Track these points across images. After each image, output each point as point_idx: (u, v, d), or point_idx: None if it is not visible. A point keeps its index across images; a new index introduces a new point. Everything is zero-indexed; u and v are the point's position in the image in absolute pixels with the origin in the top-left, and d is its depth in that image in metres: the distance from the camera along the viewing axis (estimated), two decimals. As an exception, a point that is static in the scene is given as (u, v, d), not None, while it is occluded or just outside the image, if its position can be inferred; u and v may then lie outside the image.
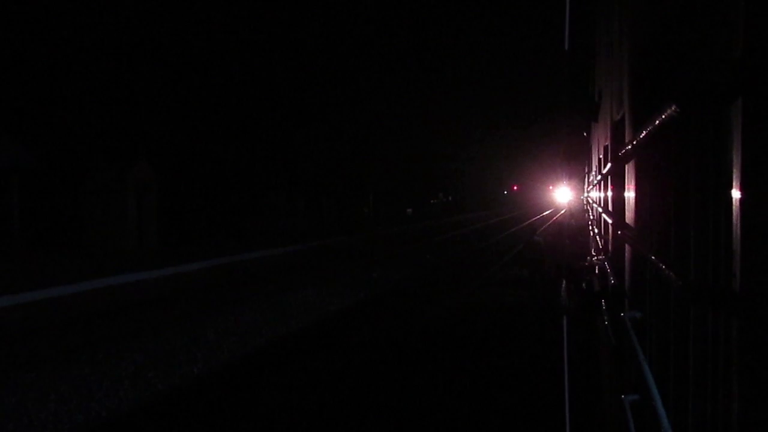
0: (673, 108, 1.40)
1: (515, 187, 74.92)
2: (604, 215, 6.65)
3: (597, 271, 8.41)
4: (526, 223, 38.39)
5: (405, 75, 43.65)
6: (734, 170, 1.23)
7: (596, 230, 10.58)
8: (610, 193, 5.71)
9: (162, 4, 27.70)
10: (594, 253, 10.26)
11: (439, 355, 8.38)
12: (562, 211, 40.09)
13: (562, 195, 47.87)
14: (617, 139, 4.52)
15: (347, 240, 26.64)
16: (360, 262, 19.22)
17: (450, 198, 53.25)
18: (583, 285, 7.27)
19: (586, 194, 23.46)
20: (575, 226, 26.82)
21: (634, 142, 2.45)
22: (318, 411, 6.42)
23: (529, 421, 6.10)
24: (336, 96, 37.10)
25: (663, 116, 1.53)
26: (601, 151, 8.10)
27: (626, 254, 3.94)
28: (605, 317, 5.81)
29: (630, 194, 3.64)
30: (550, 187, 49.47)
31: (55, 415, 6.37)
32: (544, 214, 44.47)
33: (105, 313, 11.27)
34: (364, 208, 42.13)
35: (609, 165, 5.12)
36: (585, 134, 18.61)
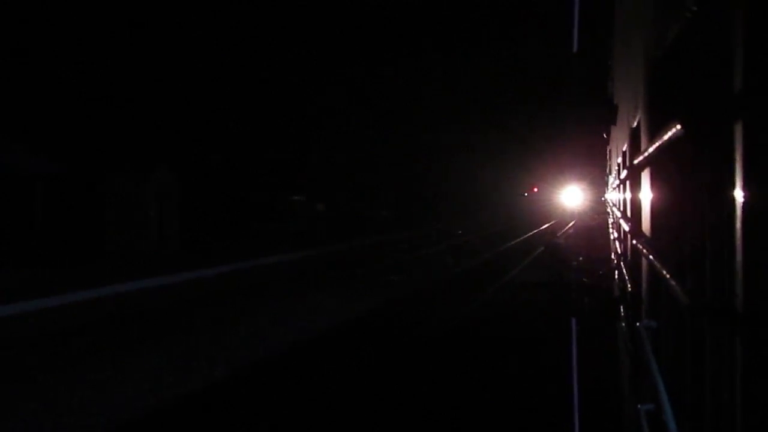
0: (678, 127, 1.42)
1: (535, 189, 74.28)
2: (622, 221, 6.62)
3: (616, 276, 8.35)
4: (543, 227, 38.10)
5: (422, 75, 43.70)
6: (737, 180, 1.25)
7: (616, 234, 10.52)
8: (628, 199, 5.69)
9: (178, 10, 28.06)
10: (614, 258, 10.20)
11: (444, 371, 8.38)
12: (570, 225, 35.42)
13: (572, 199, 44.86)
14: (634, 146, 4.51)
15: (365, 243, 26.72)
16: (378, 265, 19.27)
17: (465, 202, 53.20)
18: (602, 290, 7.26)
19: (606, 196, 23.25)
20: (596, 227, 26.58)
21: (646, 154, 2.46)
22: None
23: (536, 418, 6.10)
24: (354, 98, 37.29)
25: (670, 133, 1.56)
26: (620, 155, 8.05)
27: (643, 262, 3.93)
28: (623, 323, 5.79)
29: (646, 202, 3.63)
30: (564, 190, 48.47)
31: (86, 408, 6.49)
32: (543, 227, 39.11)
33: (131, 316, 11.44)
34: (382, 212, 42.25)
35: (626, 171, 5.11)
36: (605, 135, 18.51)
